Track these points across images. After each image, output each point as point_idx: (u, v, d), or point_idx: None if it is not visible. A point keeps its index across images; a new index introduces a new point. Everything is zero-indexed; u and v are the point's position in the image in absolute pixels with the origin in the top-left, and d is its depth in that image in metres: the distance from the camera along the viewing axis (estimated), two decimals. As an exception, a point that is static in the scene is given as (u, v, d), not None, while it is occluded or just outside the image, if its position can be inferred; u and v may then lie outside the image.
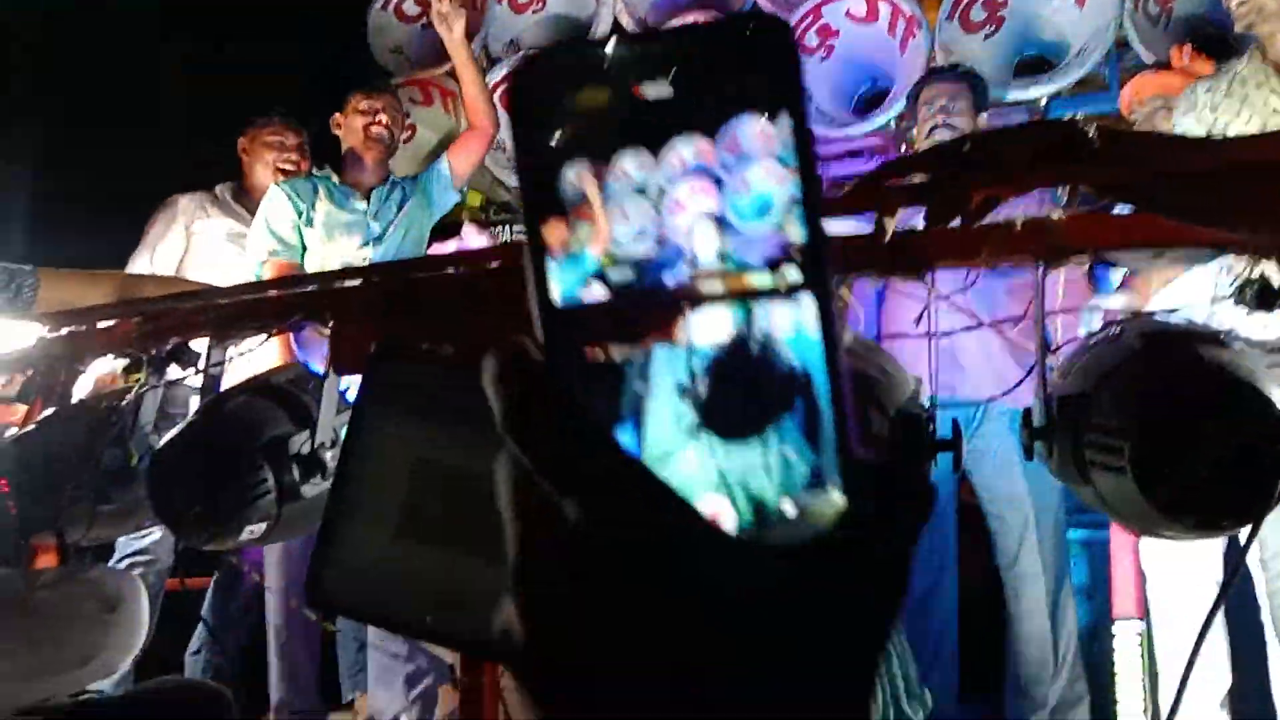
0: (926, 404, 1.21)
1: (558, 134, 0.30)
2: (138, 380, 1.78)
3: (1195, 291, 1.21)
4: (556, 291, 0.30)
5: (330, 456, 1.49)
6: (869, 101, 3.62)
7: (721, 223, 0.30)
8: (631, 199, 0.30)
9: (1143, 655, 2.38)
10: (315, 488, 1.50)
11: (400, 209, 3.01)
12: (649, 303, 0.30)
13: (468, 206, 4.23)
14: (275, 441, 1.52)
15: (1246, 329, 1.20)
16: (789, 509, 0.28)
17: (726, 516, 0.28)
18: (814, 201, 0.29)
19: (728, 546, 0.27)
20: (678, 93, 0.30)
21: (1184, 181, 1.06)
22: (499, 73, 3.95)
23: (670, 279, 0.30)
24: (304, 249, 2.84)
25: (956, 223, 1.12)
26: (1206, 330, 1.11)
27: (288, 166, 3.08)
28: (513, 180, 3.76)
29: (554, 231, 0.30)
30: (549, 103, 0.31)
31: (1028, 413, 1.16)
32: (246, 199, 3.11)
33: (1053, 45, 3.40)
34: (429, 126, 4.15)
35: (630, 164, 0.30)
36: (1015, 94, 3.21)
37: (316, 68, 4.12)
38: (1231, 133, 1.86)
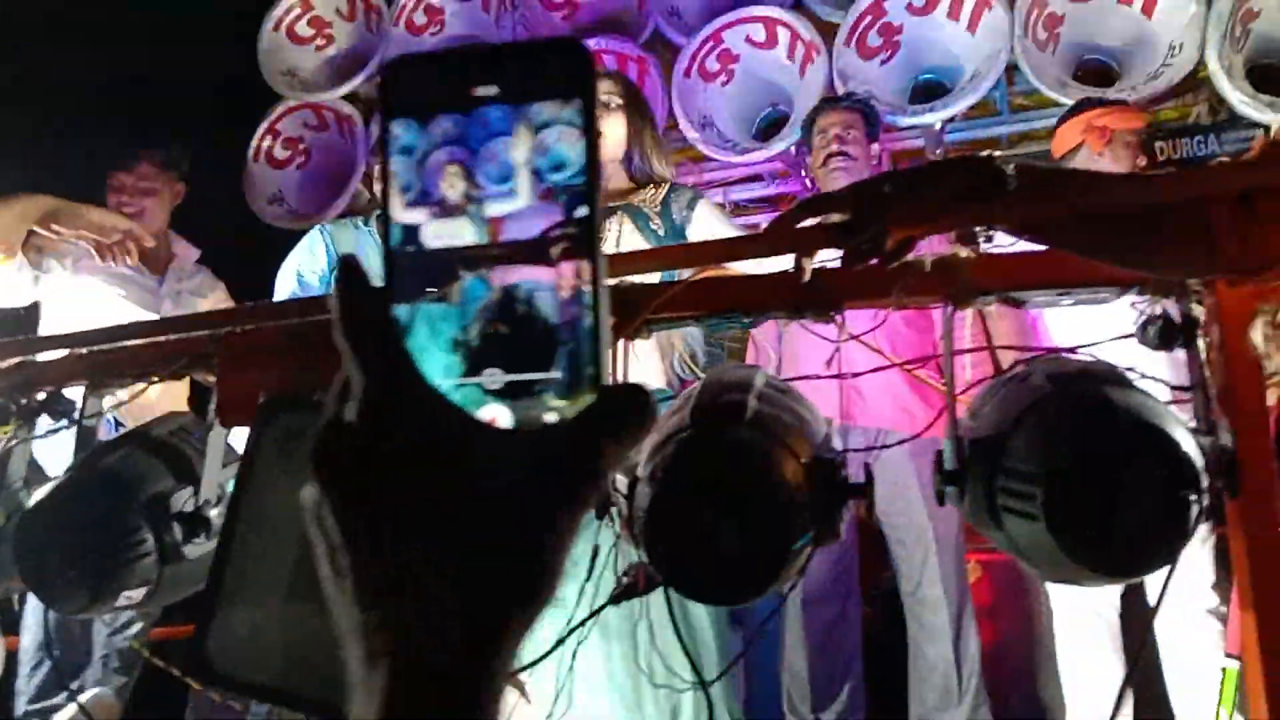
0: (838, 447, 1.19)
1: (412, 123, 0.37)
2: (5, 433, 1.65)
3: (1103, 328, 1.22)
4: (394, 243, 0.36)
5: (216, 514, 1.39)
6: (770, 126, 3.63)
7: (502, 199, 0.36)
8: (452, 177, 0.36)
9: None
10: (199, 548, 1.40)
11: None
12: (440, 259, 0.36)
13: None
14: (155, 499, 1.42)
15: (1151, 367, 1.21)
16: (549, 415, 0.35)
17: (503, 418, 0.35)
18: (594, 182, 0.36)
19: (500, 437, 0.35)
20: (501, 92, 0.36)
21: (1099, 220, 1.07)
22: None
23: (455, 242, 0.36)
24: None
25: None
26: (1112, 371, 1.12)
27: (129, 210, 2.82)
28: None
29: (397, 199, 0.37)
30: (407, 98, 0.37)
31: (939, 455, 1.14)
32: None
33: (947, 70, 3.48)
34: (323, 151, 4.02)
35: (442, 133, 0.36)
36: (911, 119, 3.26)
37: (205, 87, 3.95)
38: None
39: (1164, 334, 1.17)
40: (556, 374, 0.35)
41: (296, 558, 1.31)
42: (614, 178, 2.34)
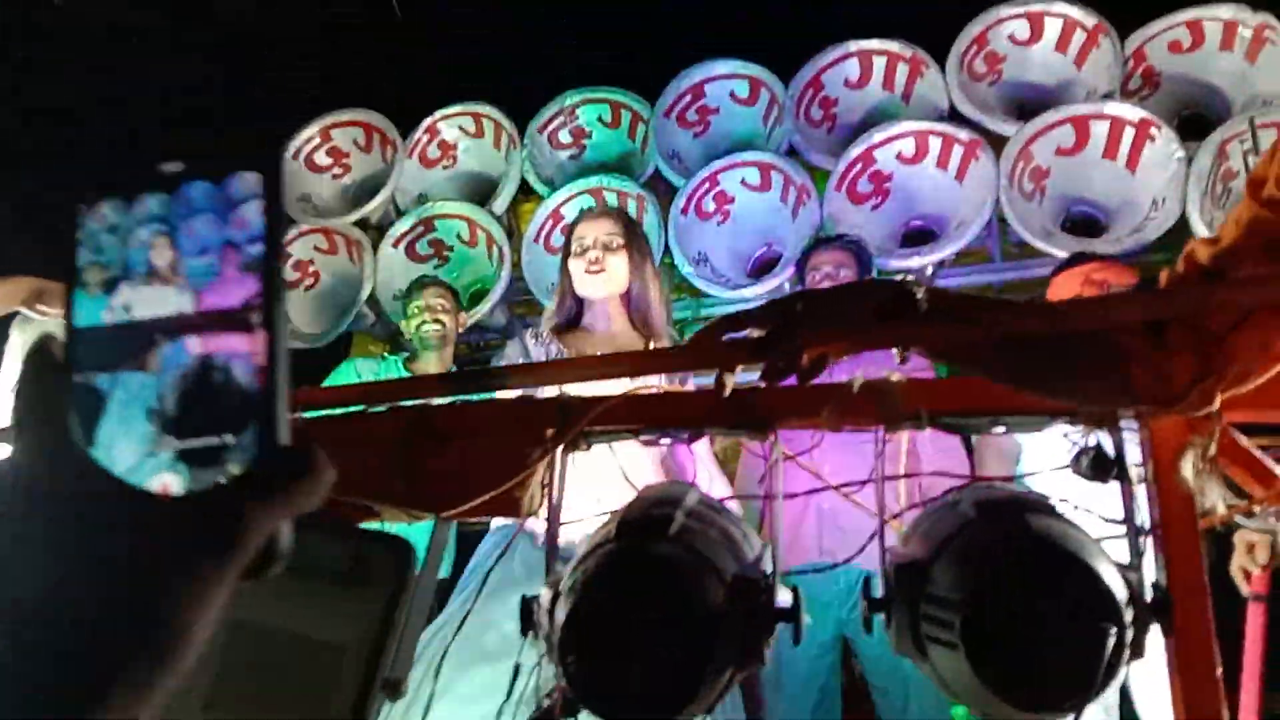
0: (768, 570, 1.17)
1: (119, 202, 0.39)
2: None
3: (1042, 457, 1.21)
4: (78, 319, 0.38)
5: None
6: (764, 265, 3.71)
7: (203, 272, 0.37)
8: (141, 243, 0.38)
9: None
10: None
11: None
12: (139, 332, 0.37)
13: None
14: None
15: (1086, 498, 1.20)
16: (220, 479, 0.36)
17: (174, 486, 0.36)
18: (273, 256, 0.37)
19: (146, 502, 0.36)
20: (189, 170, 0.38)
21: (1015, 347, 1.07)
22: (406, 223, 3.99)
23: (156, 314, 0.38)
24: None
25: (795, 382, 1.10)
26: (1039, 500, 1.10)
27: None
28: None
29: (91, 273, 0.38)
30: (111, 180, 0.39)
31: (867, 582, 1.12)
32: None
33: (937, 218, 3.56)
34: (331, 273, 4.13)
35: (145, 211, 0.38)
36: (900, 262, 3.32)
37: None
38: None
39: (1096, 466, 1.16)
40: (229, 436, 0.36)
41: (217, 666, 1.28)
42: (615, 317, 2.45)
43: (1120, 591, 1.00)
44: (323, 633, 1.22)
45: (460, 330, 3.41)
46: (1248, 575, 2.40)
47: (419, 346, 3.27)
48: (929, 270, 3.48)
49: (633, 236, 2.48)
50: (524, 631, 1.19)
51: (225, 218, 0.38)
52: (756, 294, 3.45)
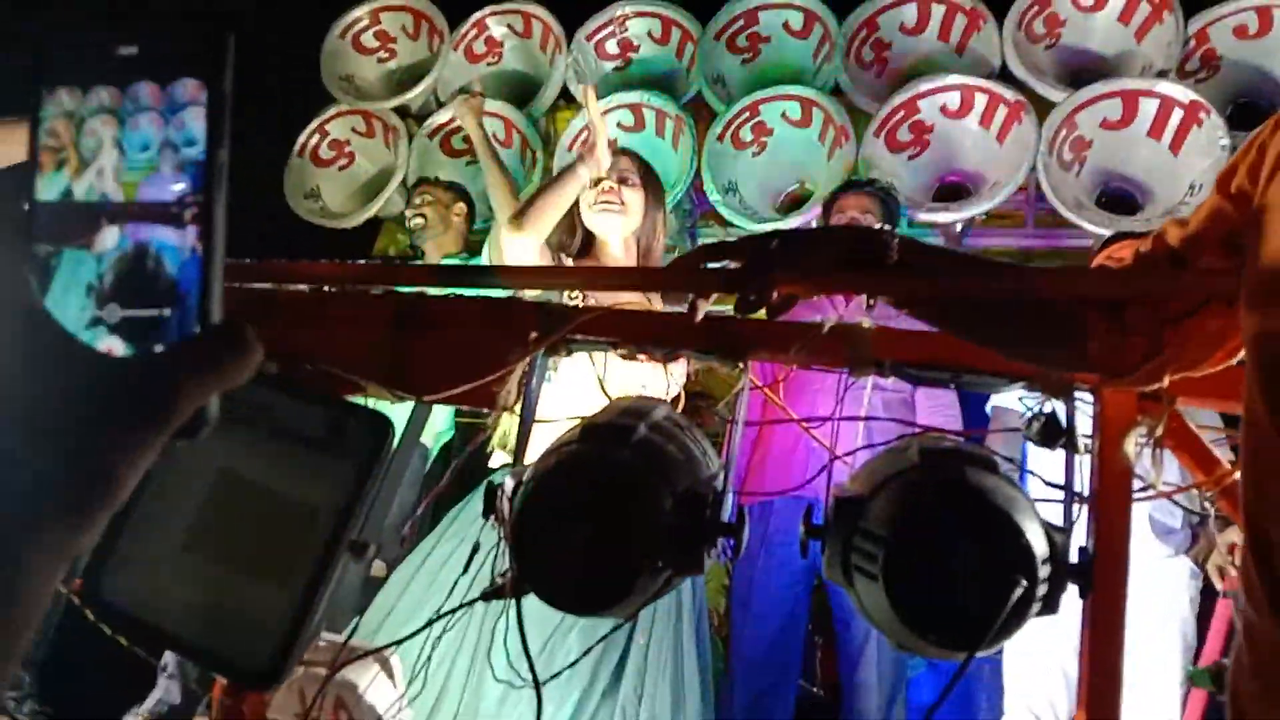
0: (720, 487, 1.23)
1: (76, 90, 0.42)
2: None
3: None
4: (38, 194, 0.42)
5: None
6: (793, 201, 3.71)
7: (143, 166, 0.42)
8: (92, 133, 0.42)
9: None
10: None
11: None
12: (84, 213, 0.42)
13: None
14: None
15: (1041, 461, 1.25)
16: (152, 346, 0.41)
17: (117, 348, 0.41)
18: (215, 155, 0.41)
19: (94, 359, 0.41)
20: (140, 53, 0.42)
21: (979, 306, 1.11)
22: (444, 115, 4.00)
23: (99, 199, 0.42)
24: None
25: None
26: (983, 456, 1.15)
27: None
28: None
29: (46, 153, 0.42)
30: (66, 68, 0.43)
31: (809, 509, 1.18)
32: None
33: (971, 174, 3.54)
34: (367, 157, 4.18)
35: (98, 103, 0.42)
36: (928, 216, 3.32)
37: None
38: None
39: (1046, 432, 1.21)
40: (166, 311, 0.41)
41: (197, 507, 1.36)
42: (629, 249, 2.44)
43: (1040, 549, 1.05)
44: (298, 492, 1.30)
45: (458, 221, 3.56)
46: (1222, 573, 2.48)
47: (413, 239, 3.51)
48: (958, 227, 3.48)
49: (646, 176, 2.47)
50: (485, 514, 1.26)
51: (166, 118, 0.41)
52: (781, 227, 3.47)
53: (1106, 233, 3.07)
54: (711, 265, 1.13)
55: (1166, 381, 1.07)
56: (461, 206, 3.55)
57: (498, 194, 3.09)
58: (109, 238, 0.41)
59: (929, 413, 2.74)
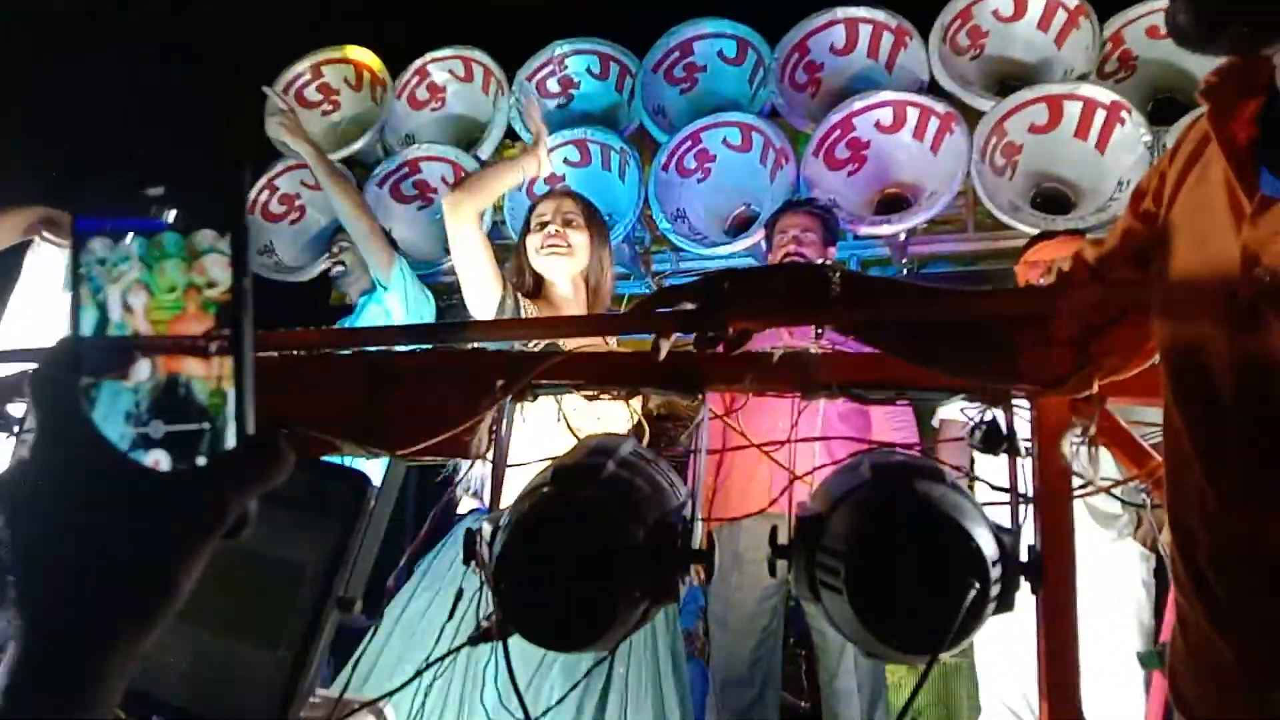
0: (688, 516, 1.29)
1: (108, 241, 0.48)
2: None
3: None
4: (79, 330, 0.47)
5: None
6: (741, 223, 3.80)
7: (170, 306, 0.47)
8: (124, 277, 0.47)
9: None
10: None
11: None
12: (120, 348, 0.47)
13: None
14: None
15: (987, 469, 1.32)
16: (200, 461, 0.47)
17: (163, 461, 0.46)
18: (240, 284, 0.47)
19: (147, 475, 0.46)
20: (169, 196, 0.48)
21: (918, 328, 1.19)
22: (392, 163, 4.05)
23: (132, 332, 0.47)
24: None
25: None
26: (930, 467, 1.22)
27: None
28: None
29: (85, 294, 0.48)
30: (99, 223, 0.48)
31: (774, 530, 1.24)
32: None
33: (909, 186, 3.65)
34: (317, 209, 4.22)
35: (129, 252, 0.48)
36: (872, 229, 3.42)
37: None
38: None
39: (988, 439, 1.28)
40: (205, 425, 0.46)
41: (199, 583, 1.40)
42: (574, 292, 2.55)
43: (990, 550, 1.12)
44: (285, 553, 1.34)
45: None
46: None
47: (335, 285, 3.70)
48: (901, 236, 3.59)
49: (590, 217, 2.58)
50: (465, 561, 1.31)
51: (190, 264, 0.47)
52: (731, 251, 3.55)
53: (1039, 230, 3.21)
54: (668, 309, 1.20)
55: (1095, 388, 1.16)
56: None
57: (346, 201, 3.26)
58: (142, 370, 0.47)
59: (885, 424, 2.83)
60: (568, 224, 2.53)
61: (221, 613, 1.35)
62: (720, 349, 1.19)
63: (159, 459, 0.46)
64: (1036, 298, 1.12)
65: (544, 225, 2.53)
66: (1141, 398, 1.23)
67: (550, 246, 2.49)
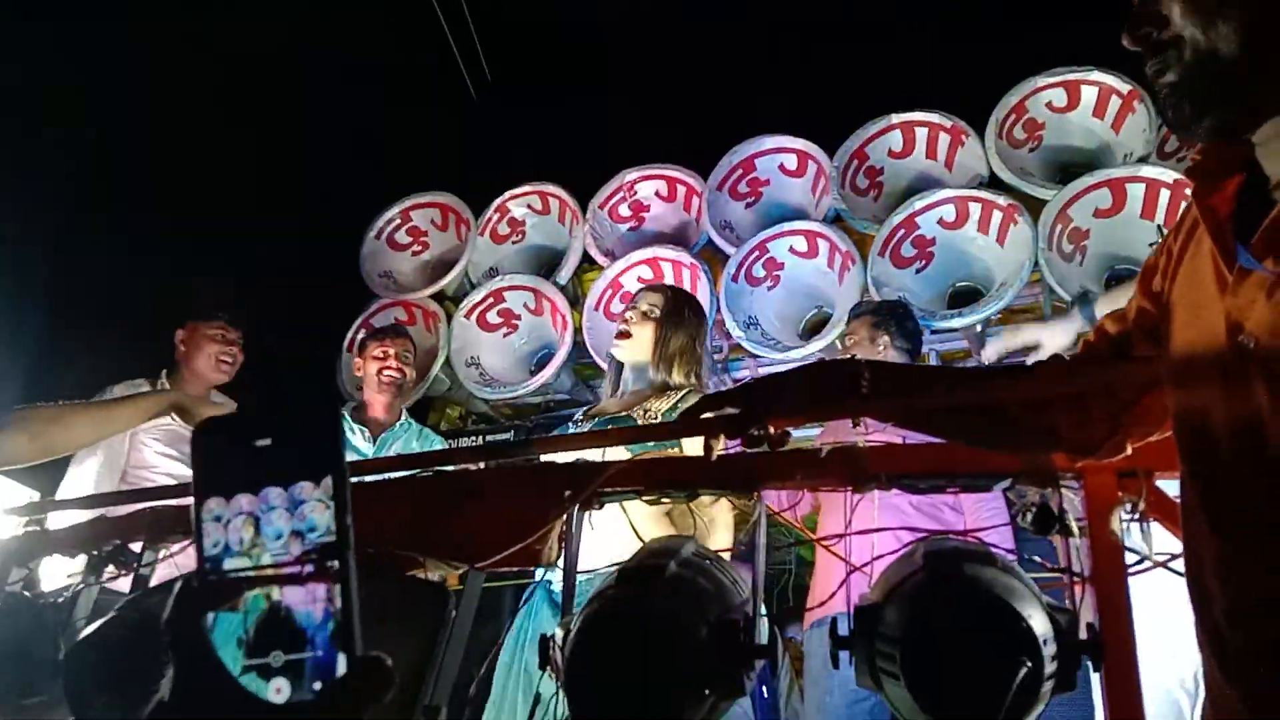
0: (749, 612, 1.34)
1: (222, 499, 0.55)
2: (75, 578, 1.92)
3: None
4: (204, 573, 0.54)
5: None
6: (814, 326, 3.88)
7: (279, 551, 0.54)
8: (236, 529, 0.55)
9: None
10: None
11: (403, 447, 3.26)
12: (234, 584, 0.54)
13: (447, 417, 4.47)
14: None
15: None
16: (310, 691, 0.52)
17: (285, 688, 0.52)
18: (344, 522, 0.53)
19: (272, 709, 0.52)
20: (274, 448, 0.54)
21: (954, 410, 1.24)
22: (477, 295, 4.27)
23: (239, 568, 0.54)
24: None
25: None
26: (984, 553, 1.25)
27: (227, 360, 3.29)
28: (485, 394, 3.99)
29: (206, 547, 0.55)
30: (216, 482, 0.56)
31: (834, 623, 1.28)
32: (184, 387, 3.24)
33: (980, 278, 3.69)
34: (412, 343, 4.44)
35: (239, 507, 0.55)
36: (940, 324, 3.45)
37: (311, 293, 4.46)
38: None
39: (1039, 520, 1.31)
40: (320, 653, 0.51)
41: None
42: (637, 380, 2.64)
43: (1042, 629, 1.14)
44: (374, 666, 1.43)
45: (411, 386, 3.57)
46: None
47: (372, 389, 3.36)
48: (978, 328, 3.60)
49: (670, 310, 2.66)
50: (540, 666, 1.38)
51: (291, 512, 0.54)
52: (806, 354, 3.62)
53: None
54: (713, 414, 1.28)
55: (1129, 450, 1.19)
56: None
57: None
58: (250, 601, 0.53)
59: (977, 511, 2.81)
60: (644, 315, 2.64)
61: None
62: (766, 448, 1.26)
63: (280, 686, 0.51)
64: (1058, 380, 1.16)
65: (623, 314, 2.71)
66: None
67: (617, 340, 2.65)
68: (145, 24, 3.94)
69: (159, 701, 0.54)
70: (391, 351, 3.34)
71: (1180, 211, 1.08)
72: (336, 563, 0.52)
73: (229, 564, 0.54)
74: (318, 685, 0.51)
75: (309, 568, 0.52)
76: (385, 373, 3.31)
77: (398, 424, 3.33)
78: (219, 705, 0.52)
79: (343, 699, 0.51)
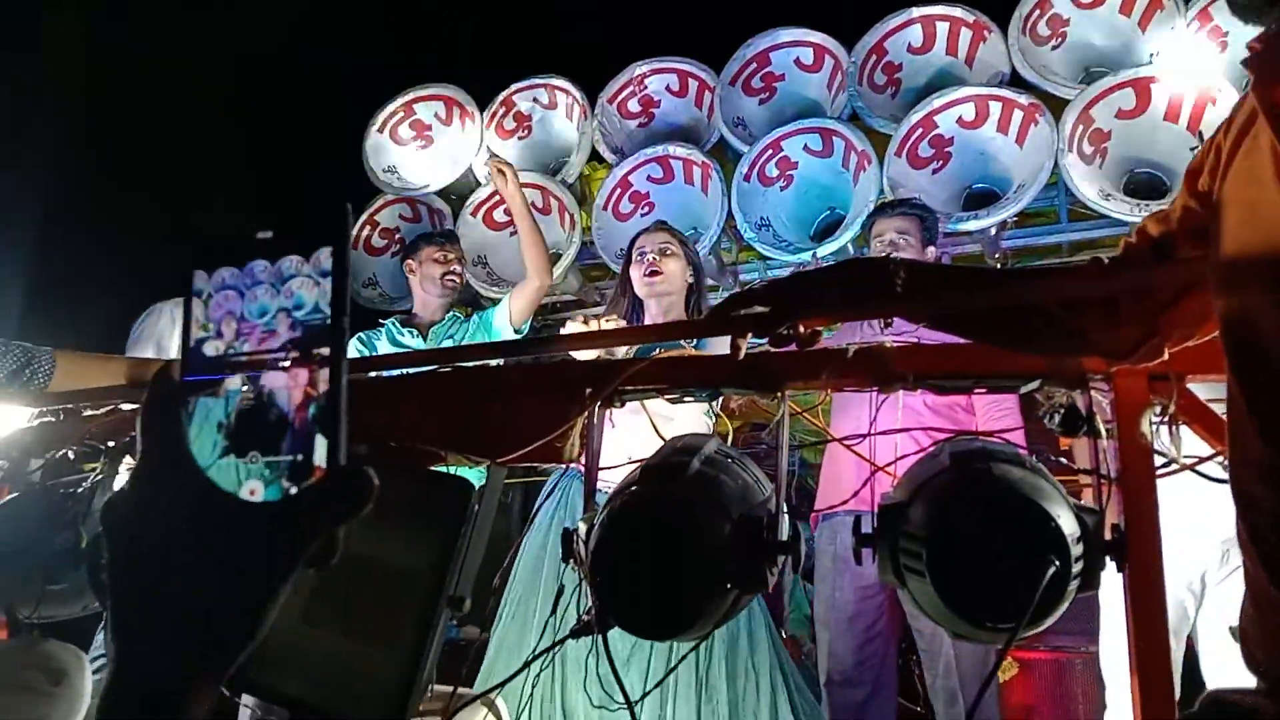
0: (772, 509, 1.34)
1: (203, 274, 0.53)
2: (93, 469, 1.93)
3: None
4: (190, 352, 0.51)
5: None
6: (827, 228, 3.82)
7: (279, 316, 0.50)
8: (219, 305, 0.52)
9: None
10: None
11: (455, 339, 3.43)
12: (215, 365, 0.51)
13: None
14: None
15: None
16: (289, 489, 0.48)
17: (259, 490, 0.48)
18: (339, 320, 0.49)
19: (240, 507, 0.48)
20: (275, 240, 0.52)
21: (988, 313, 1.22)
22: (483, 192, 4.20)
23: (223, 352, 0.51)
24: None
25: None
26: (1009, 452, 1.25)
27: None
28: (493, 294, 3.96)
29: (195, 318, 0.53)
30: (204, 257, 0.53)
31: (858, 520, 1.28)
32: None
33: (999, 180, 3.62)
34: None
35: (222, 280, 0.52)
36: (957, 226, 3.40)
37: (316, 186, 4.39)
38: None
39: (1067, 421, 1.30)
40: (300, 456, 0.47)
41: (311, 584, 1.52)
42: (673, 309, 2.85)
43: (1070, 529, 1.14)
44: (398, 559, 1.44)
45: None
46: None
47: (433, 291, 3.48)
48: (992, 231, 3.55)
49: (683, 244, 2.96)
50: (564, 559, 1.39)
51: (278, 289, 0.50)
52: (819, 256, 3.58)
53: (1139, 219, 3.13)
54: (742, 312, 1.26)
55: (1166, 355, 1.17)
56: None
57: (537, 253, 3.34)
58: (232, 384, 0.50)
59: (989, 412, 2.81)
60: (663, 253, 2.89)
61: (342, 617, 1.46)
62: (794, 348, 1.24)
63: (255, 487, 0.48)
64: (1095, 280, 1.14)
65: (644, 257, 2.89)
66: (1218, 373, 1.23)
67: (650, 273, 2.86)
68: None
69: (119, 490, 0.50)
70: (453, 256, 3.52)
71: (1235, 105, 1.04)
72: (326, 349, 0.49)
73: (210, 348, 0.50)
74: (294, 490, 0.47)
75: (295, 353, 0.49)
76: (449, 277, 3.48)
77: (445, 319, 3.49)
78: (185, 507, 0.48)
79: (319, 504, 0.47)
